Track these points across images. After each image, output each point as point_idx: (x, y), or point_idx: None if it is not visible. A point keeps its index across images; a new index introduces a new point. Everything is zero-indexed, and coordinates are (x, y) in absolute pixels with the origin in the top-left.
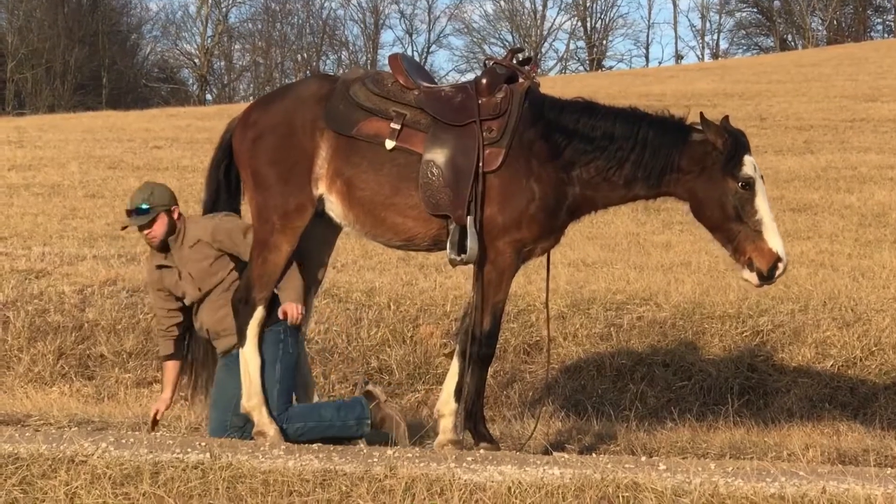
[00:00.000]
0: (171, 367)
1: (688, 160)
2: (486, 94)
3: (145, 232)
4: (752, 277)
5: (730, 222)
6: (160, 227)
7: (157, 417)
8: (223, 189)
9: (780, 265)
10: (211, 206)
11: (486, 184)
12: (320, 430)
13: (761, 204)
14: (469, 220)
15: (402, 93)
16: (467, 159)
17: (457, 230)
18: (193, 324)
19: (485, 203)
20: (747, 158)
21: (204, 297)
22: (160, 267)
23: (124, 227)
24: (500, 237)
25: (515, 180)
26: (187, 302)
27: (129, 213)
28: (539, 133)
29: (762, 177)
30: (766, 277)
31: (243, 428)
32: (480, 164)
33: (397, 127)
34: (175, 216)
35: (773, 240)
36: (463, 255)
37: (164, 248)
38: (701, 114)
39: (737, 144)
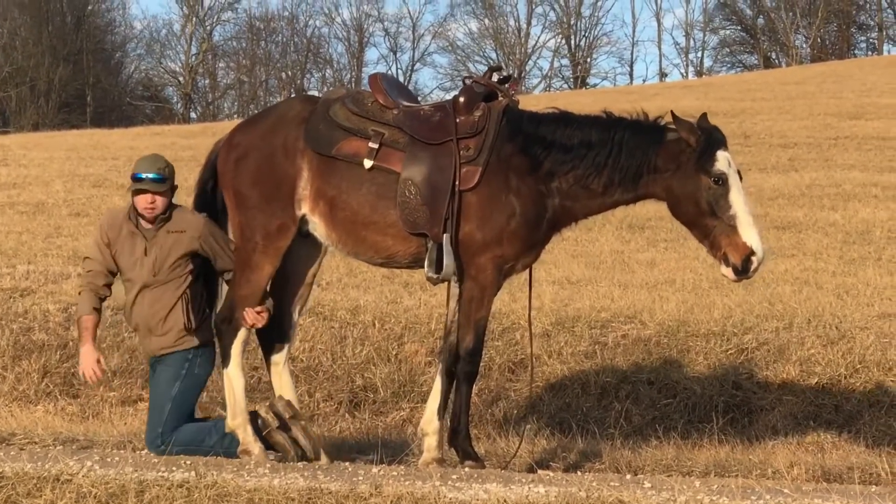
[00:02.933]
0: (94, 321)
1: (664, 159)
2: (464, 113)
3: (151, 201)
4: (729, 272)
5: (704, 218)
6: (164, 202)
7: (102, 370)
8: (210, 208)
9: (755, 259)
10: None
11: (463, 201)
12: (202, 453)
13: (736, 199)
14: (445, 237)
15: (381, 112)
16: (444, 177)
17: (434, 248)
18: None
19: (463, 220)
20: (720, 154)
21: (148, 285)
22: (132, 233)
23: (138, 191)
24: (480, 254)
25: (494, 197)
26: (131, 282)
27: (142, 179)
28: (517, 148)
29: (739, 171)
30: (742, 272)
31: (165, 438)
32: (457, 183)
33: (375, 146)
34: (172, 198)
35: (748, 234)
36: (440, 273)
37: (148, 220)
38: (672, 112)
39: (709, 140)
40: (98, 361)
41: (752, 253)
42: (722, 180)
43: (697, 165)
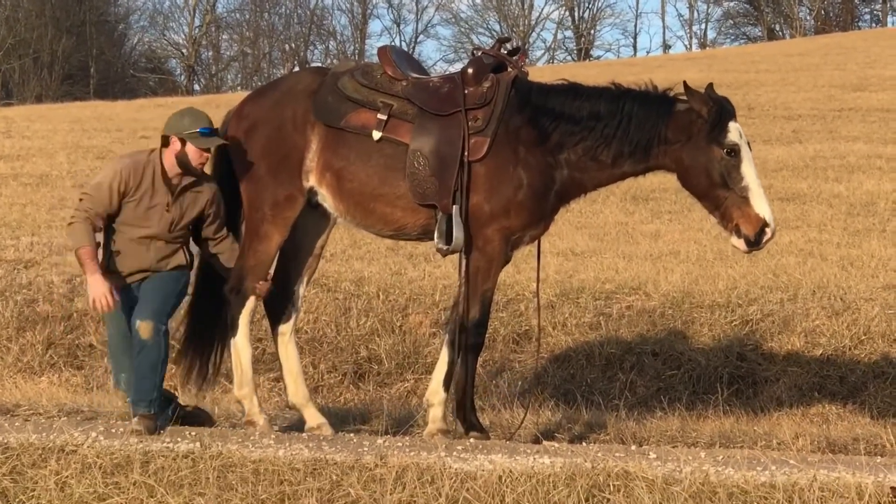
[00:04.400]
0: (94, 251)
1: (674, 130)
2: (473, 84)
3: (206, 155)
4: (740, 244)
5: (716, 189)
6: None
7: (115, 299)
8: (225, 180)
9: (768, 230)
10: None
11: (471, 173)
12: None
13: (747, 170)
14: (454, 209)
15: (389, 84)
16: (452, 149)
17: (443, 219)
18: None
19: (471, 192)
20: (732, 125)
21: (159, 238)
22: (157, 185)
23: (207, 148)
24: (487, 225)
25: (502, 168)
26: (137, 230)
27: (212, 135)
28: (526, 119)
29: (749, 143)
30: (754, 243)
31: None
32: (465, 154)
33: (384, 118)
34: None
35: (760, 205)
36: (450, 245)
37: (183, 172)
38: (684, 83)
39: (721, 111)
40: (111, 291)
41: (766, 225)
42: (734, 151)
43: (710, 136)
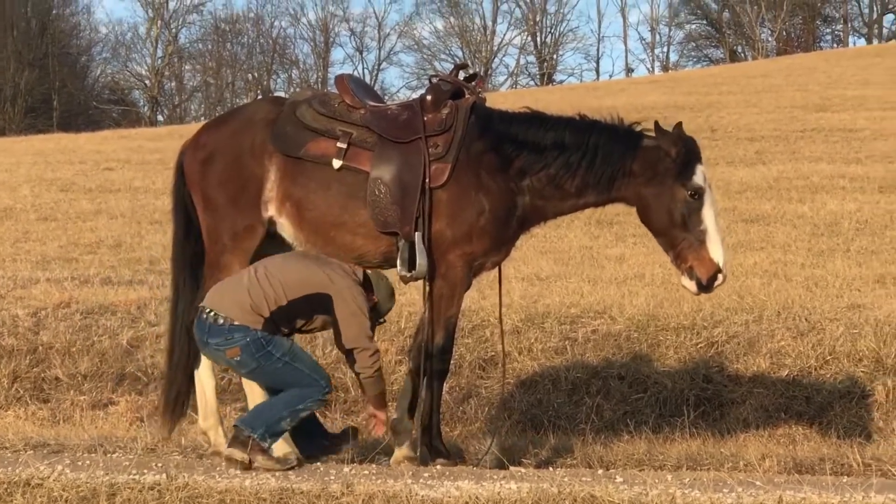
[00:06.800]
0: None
1: (640, 165)
2: (432, 111)
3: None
4: (691, 286)
5: (675, 229)
6: None
7: None
8: (190, 210)
9: (720, 276)
10: (184, 231)
11: (433, 199)
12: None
13: (708, 214)
14: (417, 235)
15: (348, 112)
16: (413, 175)
17: (406, 246)
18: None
19: (433, 218)
20: (699, 168)
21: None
22: None
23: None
24: (450, 251)
25: (464, 194)
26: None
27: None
28: (488, 146)
29: (711, 187)
30: (705, 287)
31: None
32: (427, 180)
33: (344, 146)
34: None
35: (716, 251)
36: (413, 272)
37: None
38: (656, 122)
39: (689, 154)
40: None
41: (719, 271)
42: (699, 195)
43: (676, 177)
